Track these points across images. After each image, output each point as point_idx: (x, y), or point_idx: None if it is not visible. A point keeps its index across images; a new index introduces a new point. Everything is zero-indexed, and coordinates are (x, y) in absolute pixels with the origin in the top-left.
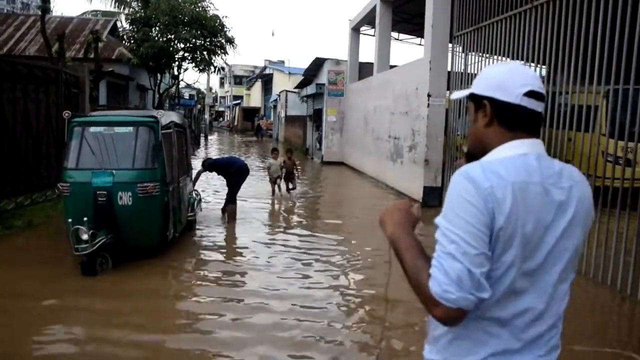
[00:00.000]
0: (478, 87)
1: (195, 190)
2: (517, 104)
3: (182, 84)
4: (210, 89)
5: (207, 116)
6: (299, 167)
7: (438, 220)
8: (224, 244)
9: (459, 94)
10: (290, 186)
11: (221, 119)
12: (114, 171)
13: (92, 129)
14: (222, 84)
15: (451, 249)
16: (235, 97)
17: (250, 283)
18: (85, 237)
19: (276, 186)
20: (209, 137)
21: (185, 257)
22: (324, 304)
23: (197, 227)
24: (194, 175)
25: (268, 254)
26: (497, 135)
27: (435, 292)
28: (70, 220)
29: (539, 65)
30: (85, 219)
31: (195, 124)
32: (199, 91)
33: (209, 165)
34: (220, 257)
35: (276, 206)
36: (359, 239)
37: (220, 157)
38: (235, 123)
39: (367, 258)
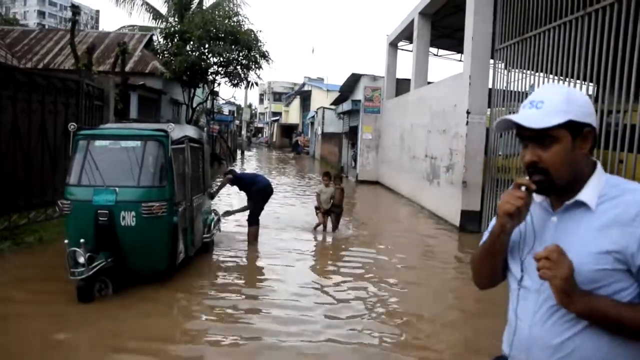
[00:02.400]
0: (576, 114)
1: (214, 209)
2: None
3: (221, 100)
4: (250, 105)
5: (243, 132)
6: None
7: None
8: (241, 268)
9: (543, 122)
10: (333, 221)
11: (260, 135)
12: (117, 189)
13: (97, 142)
14: (261, 101)
15: None
16: (274, 114)
17: (264, 318)
18: (81, 260)
19: (327, 218)
20: (246, 153)
21: (196, 282)
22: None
23: (215, 248)
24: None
25: (286, 281)
26: (586, 160)
27: None
28: (67, 241)
29: (584, 83)
30: (82, 240)
31: (232, 140)
32: (239, 107)
33: (233, 179)
34: (236, 283)
35: (310, 233)
36: (397, 272)
37: (245, 172)
38: (274, 139)
39: (396, 289)
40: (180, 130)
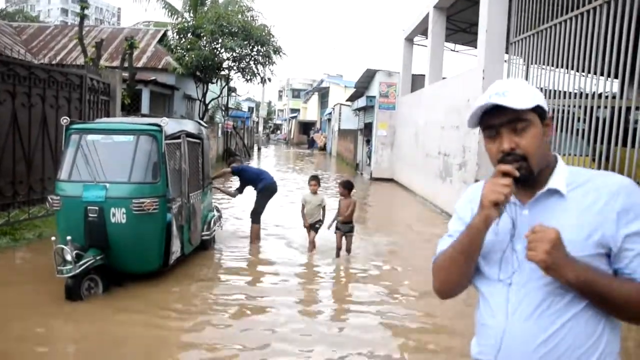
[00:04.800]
0: (539, 100)
1: (216, 206)
2: None
3: (239, 97)
4: (269, 102)
5: (260, 128)
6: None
7: None
8: (240, 267)
9: (523, 103)
10: (345, 243)
11: (278, 131)
12: (107, 185)
13: (90, 137)
14: (280, 97)
15: None
16: (293, 110)
17: (265, 318)
18: (69, 257)
19: (313, 235)
20: (263, 149)
21: (191, 281)
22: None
23: (215, 246)
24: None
25: (286, 282)
26: (549, 150)
27: None
28: (54, 238)
29: (606, 78)
30: (68, 237)
31: (248, 136)
32: (258, 104)
33: (236, 170)
34: (233, 284)
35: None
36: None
37: (250, 166)
38: (292, 136)
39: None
40: (177, 125)
